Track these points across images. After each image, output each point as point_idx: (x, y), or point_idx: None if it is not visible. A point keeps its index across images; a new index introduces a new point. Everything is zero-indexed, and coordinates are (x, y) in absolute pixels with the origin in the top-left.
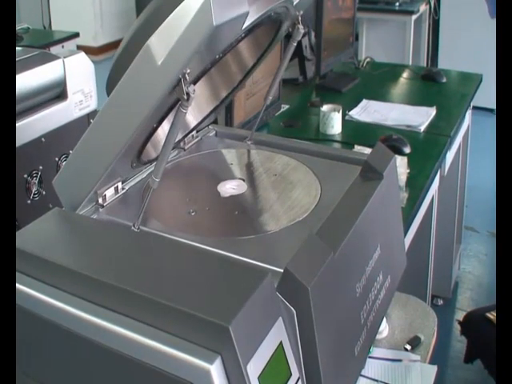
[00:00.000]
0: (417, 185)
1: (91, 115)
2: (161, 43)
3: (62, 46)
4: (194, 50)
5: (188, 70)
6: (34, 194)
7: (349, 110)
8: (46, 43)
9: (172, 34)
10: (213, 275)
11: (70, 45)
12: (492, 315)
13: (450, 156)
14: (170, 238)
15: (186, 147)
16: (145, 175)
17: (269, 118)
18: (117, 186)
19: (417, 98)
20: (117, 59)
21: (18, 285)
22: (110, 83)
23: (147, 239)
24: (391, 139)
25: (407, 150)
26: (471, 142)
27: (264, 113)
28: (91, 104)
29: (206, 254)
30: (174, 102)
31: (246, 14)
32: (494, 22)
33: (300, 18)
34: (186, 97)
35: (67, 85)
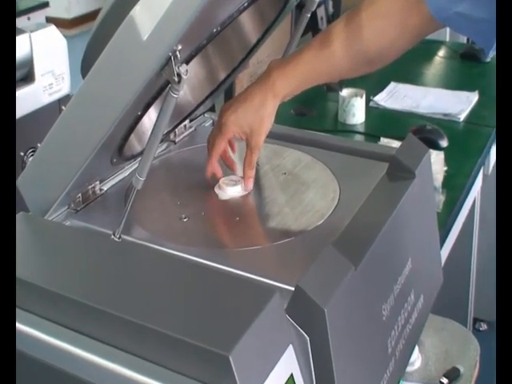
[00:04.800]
0: (455, 185)
1: (63, 101)
2: (147, 14)
3: (28, 18)
4: (186, 22)
5: (179, 47)
6: None
7: (373, 95)
8: None
9: (160, 2)
10: (209, 294)
11: (38, 16)
12: None
13: (494, 151)
14: (158, 249)
15: (176, 140)
16: (127, 173)
17: None
18: (93, 187)
19: (455, 81)
20: (94, 34)
21: None
22: (85, 63)
23: (130, 251)
24: (424, 130)
25: (444, 143)
26: None
27: None
28: (63, 88)
29: (201, 268)
30: (163, 85)
31: None
32: None
33: None
34: (176, 79)
35: (34, 65)
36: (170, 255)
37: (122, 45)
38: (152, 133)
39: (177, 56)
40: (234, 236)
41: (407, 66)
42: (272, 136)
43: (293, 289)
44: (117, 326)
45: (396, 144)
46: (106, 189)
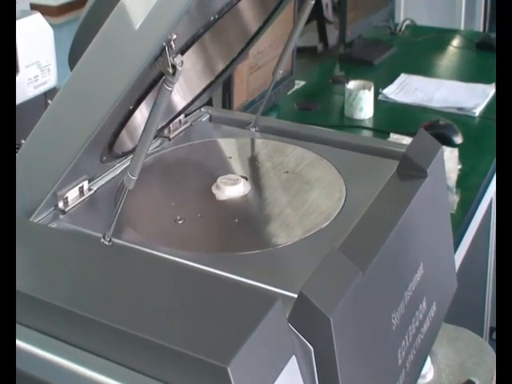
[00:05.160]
0: (471, 185)
1: (49, 94)
2: (139, 0)
3: None
4: (181, 9)
5: (174, 36)
6: None
7: (383, 88)
8: None
9: None
10: (207, 302)
11: (22, 3)
12: None
13: None
14: (152, 253)
15: (171, 136)
16: (118, 172)
17: (279, 98)
18: (82, 187)
19: (470, 73)
20: (82, 23)
21: None
22: (73, 54)
23: (122, 255)
24: (437, 126)
25: (458, 139)
26: None
27: (272, 91)
28: (49, 80)
29: (198, 274)
30: (157, 77)
31: None
32: None
33: None
34: (171, 70)
35: (18, 55)
36: (165, 260)
37: (112, 34)
38: (145, 128)
39: (171, 46)
40: (232, 239)
41: (419, 57)
42: (273, 132)
43: (296, 296)
44: (107, 335)
45: (407, 140)
46: (95, 188)
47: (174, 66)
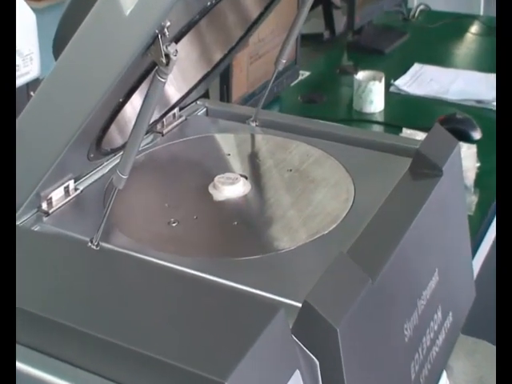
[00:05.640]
0: (490, 184)
1: (32, 85)
2: None
3: None
4: None
5: (168, 23)
6: None
7: (394, 79)
8: None
9: None
10: (203, 312)
11: None
12: None
13: None
14: (143, 258)
15: (164, 131)
16: (106, 170)
17: (281, 89)
18: (67, 186)
19: (490, 62)
20: (68, 8)
21: None
22: (58, 42)
23: (111, 261)
24: (454, 120)
25: (477, 135)
26: None
27: (274, 83)
28: (32, 70)
29: (194, 281)
30: (149, 67)
31: None
32: None
33: None
34: (164, 60)
35: None
36: (157, 266)
37: (100, 20)
38: (136, 123)
39: (165, 34)
40: (231, 243)
41: (434, 45)
42: (276, 126)
43: (300, 305)
44: (95, 348)
45: (420, 136)
46: (81, 188)
47: (167, 56)
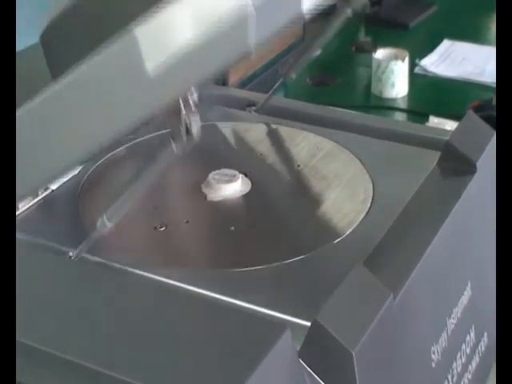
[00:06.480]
0: None
1: None
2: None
3: None
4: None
5: (195, 94)
6: None
7: (420, 59)
8: None
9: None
10: (197, 333)
11: None
12: None
13: None
14: (127, 270)
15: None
16: (82, 167)
17: (287, 71)
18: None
19: None
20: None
21: None
22: (46, 37)
23: (91, 274)
24: (490, 107)
25: None
26: None
27: (279, 63)
28: None
29: (184, 297)
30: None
31: None
32: None
33: None
34: (184, 131)
35: None
36: (143, 279)
37: (116, 67)
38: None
39: (189, 103)
40: (227, 252)
41: (466, 19)
42: (280, 114)
43: (309, 324)
44: (79, 377)
45: (450, 125)
46: (53, 188)
47: (187, 127)
